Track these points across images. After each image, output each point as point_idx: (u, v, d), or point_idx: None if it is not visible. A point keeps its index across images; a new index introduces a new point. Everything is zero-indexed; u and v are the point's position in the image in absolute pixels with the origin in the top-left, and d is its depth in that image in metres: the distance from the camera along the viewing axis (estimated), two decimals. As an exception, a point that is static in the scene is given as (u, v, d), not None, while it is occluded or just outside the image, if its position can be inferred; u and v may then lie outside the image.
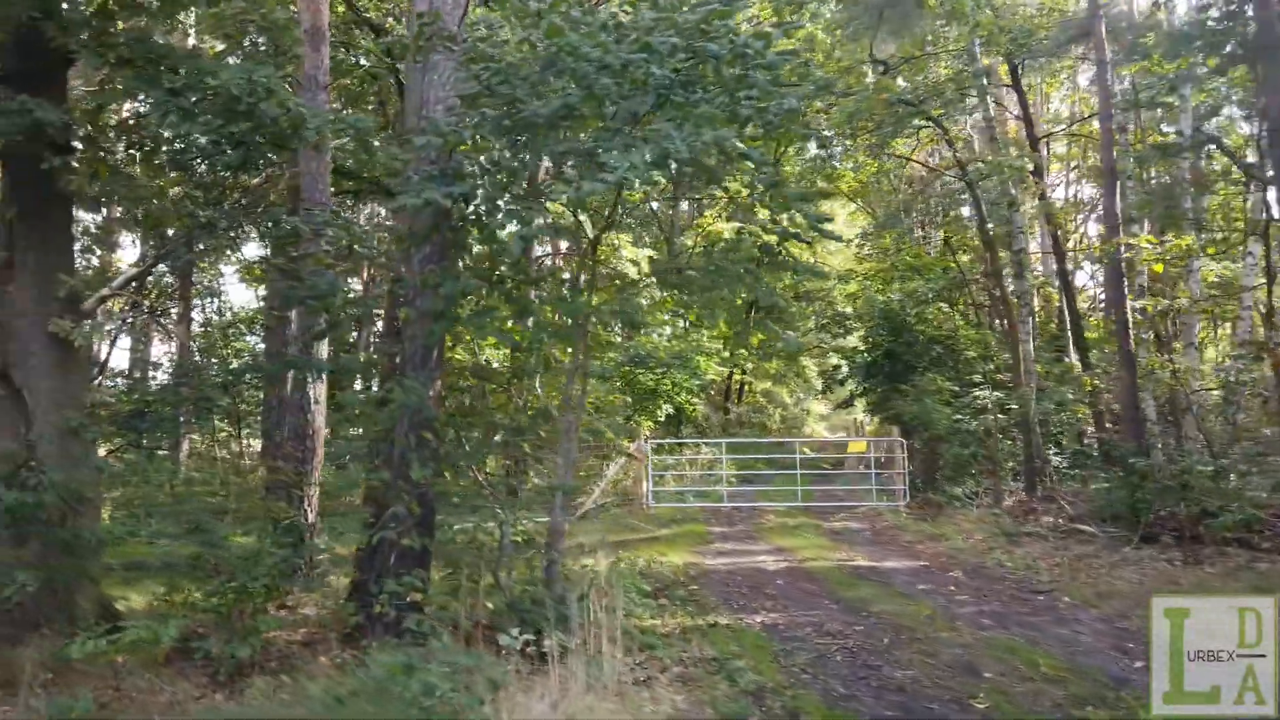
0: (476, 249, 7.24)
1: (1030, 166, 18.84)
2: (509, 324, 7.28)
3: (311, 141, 6.64)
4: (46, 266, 6.82)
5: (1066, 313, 20.40)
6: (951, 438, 18.91)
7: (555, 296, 6.82)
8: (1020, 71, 20.04)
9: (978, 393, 21.12)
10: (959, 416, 19.24)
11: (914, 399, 21.05)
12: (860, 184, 26.95)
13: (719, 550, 12.22)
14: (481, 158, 6.54)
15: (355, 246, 7.88)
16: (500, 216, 6.10)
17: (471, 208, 6.66)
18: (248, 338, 19.61)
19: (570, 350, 7.07)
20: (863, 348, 27.52)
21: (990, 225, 19.24)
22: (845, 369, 28.52)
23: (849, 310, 29.58)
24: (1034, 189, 19.71)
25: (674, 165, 5.67)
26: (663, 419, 22.22)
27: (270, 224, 7.36)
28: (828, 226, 6.76)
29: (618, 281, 12.03)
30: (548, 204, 6.25)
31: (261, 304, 18.55)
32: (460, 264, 7.14)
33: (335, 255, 8.29)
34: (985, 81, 18.05)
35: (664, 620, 7.43)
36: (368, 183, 9.13)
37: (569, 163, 6.18)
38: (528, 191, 5.99)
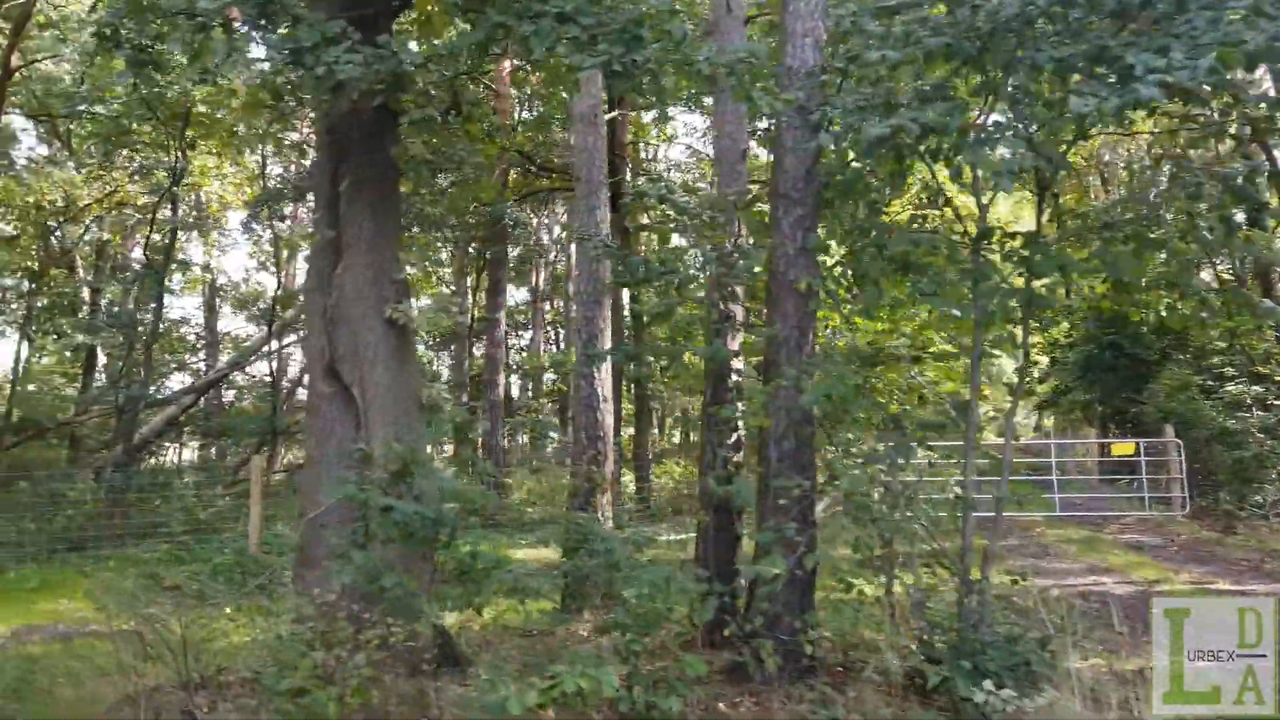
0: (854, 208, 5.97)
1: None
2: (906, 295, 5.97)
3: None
4: (378, 244, 6.04)
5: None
6: (1225, 438, 16.58)
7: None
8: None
9: (1230, 387, 18.67)
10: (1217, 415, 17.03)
11: (1168, 396, 18.73)
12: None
13: (1033, 568, 10.56)
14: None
15: (685, 216, 6.79)
16: (949, 152, 4.77)
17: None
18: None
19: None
20: (1063, 341, 25.17)
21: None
22: (1045, 365, 26.23)
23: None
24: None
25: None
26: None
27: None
28: None
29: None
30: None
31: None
32: (840, 228, 5.92)
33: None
34: None
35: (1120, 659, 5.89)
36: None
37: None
38: (969, 126, 4.66)
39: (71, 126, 20.44)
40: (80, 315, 22.81)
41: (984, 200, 5.38)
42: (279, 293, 18.01)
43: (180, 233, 18.90)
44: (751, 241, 6.49)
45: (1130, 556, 11.60)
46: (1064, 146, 5.16)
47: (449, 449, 20.40)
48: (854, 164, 5.69)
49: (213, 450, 25.79)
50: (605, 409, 8.59)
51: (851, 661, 5.70)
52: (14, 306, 24.94)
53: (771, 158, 6.86)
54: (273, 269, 33.94)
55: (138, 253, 27.37)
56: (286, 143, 22.10)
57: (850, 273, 5.99)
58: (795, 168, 5.88)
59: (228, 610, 8.17)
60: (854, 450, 5.59)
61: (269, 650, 5.56)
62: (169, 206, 15.87)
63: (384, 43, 4.93)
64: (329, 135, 6.06)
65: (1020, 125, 4.49)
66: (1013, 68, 4.59)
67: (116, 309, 20.89)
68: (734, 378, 6.96)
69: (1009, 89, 4.57)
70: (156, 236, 18.18)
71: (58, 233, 19.20)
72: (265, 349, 23.25)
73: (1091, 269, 5.57)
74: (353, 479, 4.33)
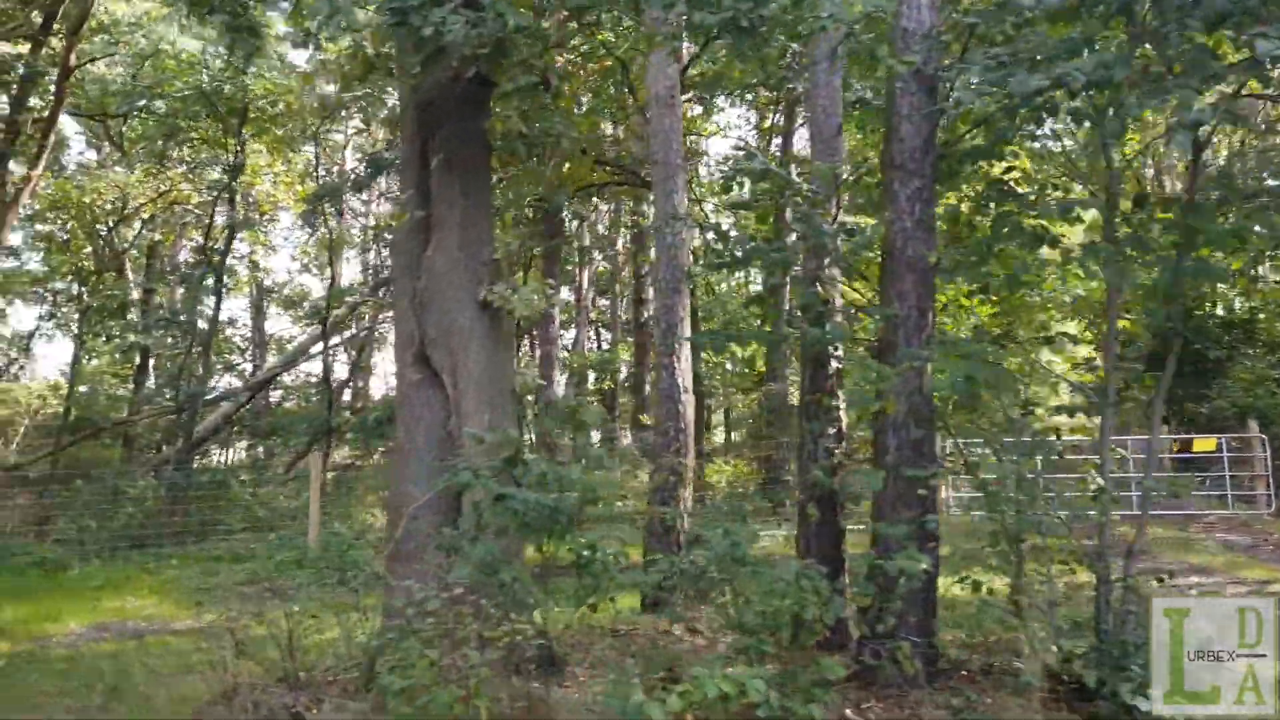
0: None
1: None
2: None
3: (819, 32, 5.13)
4: (470, 223, 5.77)
5: None
6: (1304, 432, 15.90)
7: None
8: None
9: (1301, 381, 17.95)
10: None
11: (1245, 390, 18.01)
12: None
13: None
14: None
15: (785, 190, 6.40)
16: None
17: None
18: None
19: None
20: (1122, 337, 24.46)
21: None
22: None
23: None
24: None
25: None
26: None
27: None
28: None
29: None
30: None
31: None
32: (960, 199, 5.53)
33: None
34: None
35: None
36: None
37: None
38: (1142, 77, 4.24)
39: (124, 129, 20.65)
40: (130, 317, 23.03)
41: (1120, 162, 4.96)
42: (332, 289, 17.93)
43: (215, 240, 18.92)
44: (850, 220, 6.11)
45: (1228, 556, 11.02)
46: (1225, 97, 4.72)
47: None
48: (974, 130, 5.30)
49: (259, 450, 25.88)
50: (686, 401, 8.25)
51: (983, 663, 5.31)
52: (65, 309, 25.28)
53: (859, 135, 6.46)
54: (316, 271, 34.19)
55: (184, 254, 27.65)
56: (333, 142, 22.17)
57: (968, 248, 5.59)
58: (912, 136, 5.51)
59: (304, 608, 7.94)
60: (993, 436, 5.18)
61: (365, 648, 5.32)
62: (227, 201, 15.78)
63: (489, 3, 4.65)
64: (419, 110, 5.80)
65: (1187, 77, 4.08)
66: (1170, 14, 4.17)
67: (170, 309, 21.01)
68: (834, 364, 6.60)
69: (1169, 36, 4.15)
70: (205, 235, 18.18)
71: (110, 235, 19.32)
72: (316, 348, 23.28)
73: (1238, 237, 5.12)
74: (463, 466, 4.04)
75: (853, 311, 7.05)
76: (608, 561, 4.24)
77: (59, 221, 19.73)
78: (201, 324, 16.95)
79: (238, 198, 15.90)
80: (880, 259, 5.73)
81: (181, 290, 23.11)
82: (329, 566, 11.59)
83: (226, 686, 5.19)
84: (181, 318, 16.85)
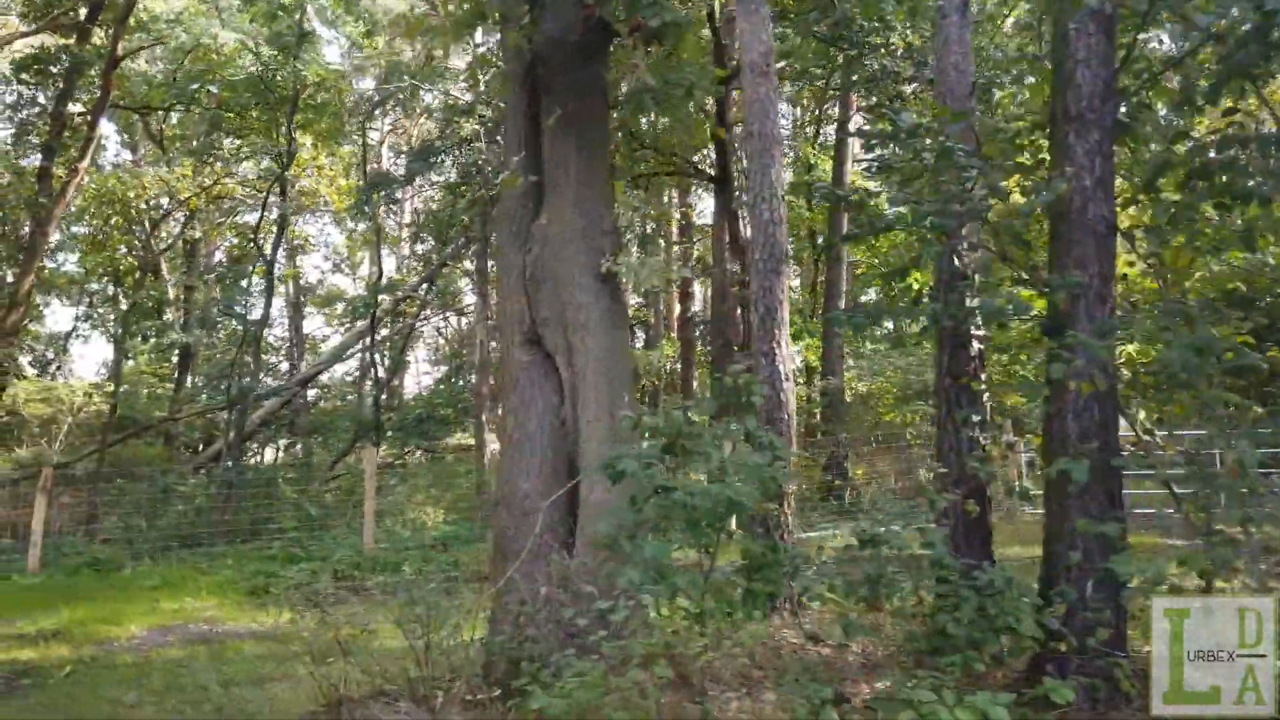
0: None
1: None
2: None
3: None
4: (586, 188, 5.23)
5: None
6: None
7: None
8: None
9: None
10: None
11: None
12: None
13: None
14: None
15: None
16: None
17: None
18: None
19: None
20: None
21: None
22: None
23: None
24: None
25: None
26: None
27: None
28: None
29: None
30: None
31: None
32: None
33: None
34: None
35: None
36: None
37: None
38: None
39: (163, 126, 20.38)
40: (166, 316, 22.80)
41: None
42: (378, 282, 17.48)
43: (262, 233, 18.60)
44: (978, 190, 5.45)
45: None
46: None
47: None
48: (1161, 73, 4.66)
49: (298, 449, 25.57)
50: (788, 389, 7.65)
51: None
52: (101, 310, 25.13)
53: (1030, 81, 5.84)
54: (348, 271, 33.89)
55: (219, 254, 27.42)
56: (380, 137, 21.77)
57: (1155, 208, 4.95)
58: (1090, 82, 4.89)
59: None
60: (1215, 418, 4.53)
61: (491, 656, 4.79)
62: (278, 193, 15.37)
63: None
64: (531, 64, 5.26)
65: None
66: None
67: (211, 306, 20.70)
68: (976, 345, 5.98)
69: None
70: (255, 228, 17.78)
71: (150, 233, 19.05)
72: (355, 346, 22.92)
73: None
74: (626, 454, 3.49)
75: (1005, 283, 6.41)
76: (797, 562, 3.67)
77: (97, 220, 19.50)
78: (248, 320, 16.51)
79: (289, 189, 15.46)
80: (1050, 223, 5.12)
81: (219, 288, 22.87)
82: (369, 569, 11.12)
83: (329, 697, 4.67)
84: (236, 309, 16.43)
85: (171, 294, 22.85)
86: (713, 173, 16.27)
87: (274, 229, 15.21)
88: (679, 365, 22.60)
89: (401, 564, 11.89)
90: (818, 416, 19.24)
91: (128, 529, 13.91)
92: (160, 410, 22.17)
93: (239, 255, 21.68)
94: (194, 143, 18.90)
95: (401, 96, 17.54)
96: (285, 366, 27.77)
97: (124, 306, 19.34)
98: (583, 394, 5.11)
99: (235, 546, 13.42)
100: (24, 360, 21.38)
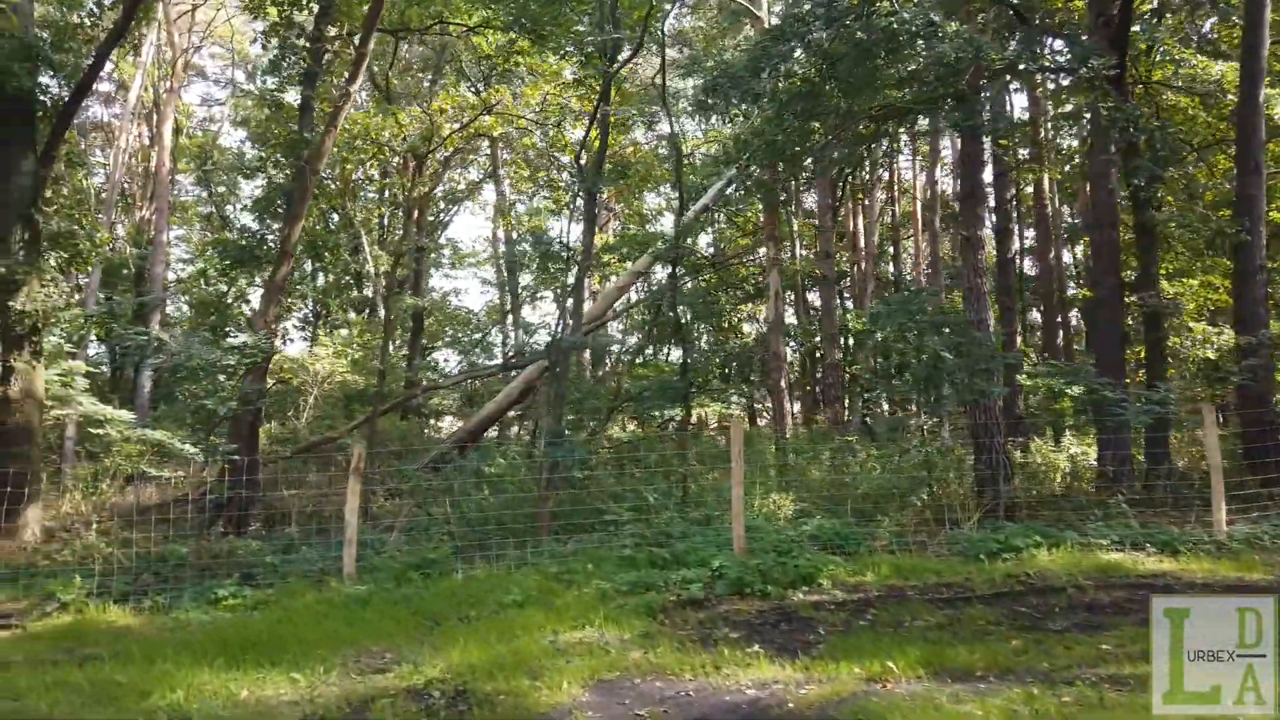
0: None
1: None
2: None
3: None
4: None
5: None
6: None
7: None
8: None
9: None
10: None
11: None
12: None
13: None
14: None
15: None
16: None
17: None
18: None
19: None
20: None
21: None
22: None
23: None
24: None
25: None
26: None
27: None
28: None
29: None
30: None
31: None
32: None
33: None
34: None
35: None
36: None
37: None
38: None
39: (389, 73, 18.08)
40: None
41: None
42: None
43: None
44: None
45: None
46: None
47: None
48: None
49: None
50: None
51: None
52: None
53: None
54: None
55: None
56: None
57: None
58: None
59: None
60: None
61: None
62: (599, 125, 12.21)
63: None
64: None
65: None
66: None
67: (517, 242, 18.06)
68: None
69: None
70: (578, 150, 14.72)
71: (412, 174, 16.78)
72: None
73: None
74: None
75: None
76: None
77: (350, 166, 17.43)
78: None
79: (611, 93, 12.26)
80: None
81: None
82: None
83: None
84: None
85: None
86: None
87: (596, 141, 12.04)
88: None
89: (815, 577, 8.66)
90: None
91: (429, 519, 11.47)
92: (394, 381, 20.13)
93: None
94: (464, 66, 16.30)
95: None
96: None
97: (375, 269, 17.16)
98: None
99: (560, 542, 10.64)
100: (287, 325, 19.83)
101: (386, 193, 23.85)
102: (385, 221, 25.31)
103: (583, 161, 12.60)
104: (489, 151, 22.67)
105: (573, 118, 16.57)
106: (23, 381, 11.66)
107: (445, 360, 28.51)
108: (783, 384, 15.31)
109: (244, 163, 31.14)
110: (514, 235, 25.86)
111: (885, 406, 19.07)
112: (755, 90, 10.14)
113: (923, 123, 15.76)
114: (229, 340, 10.37)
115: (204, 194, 30.86)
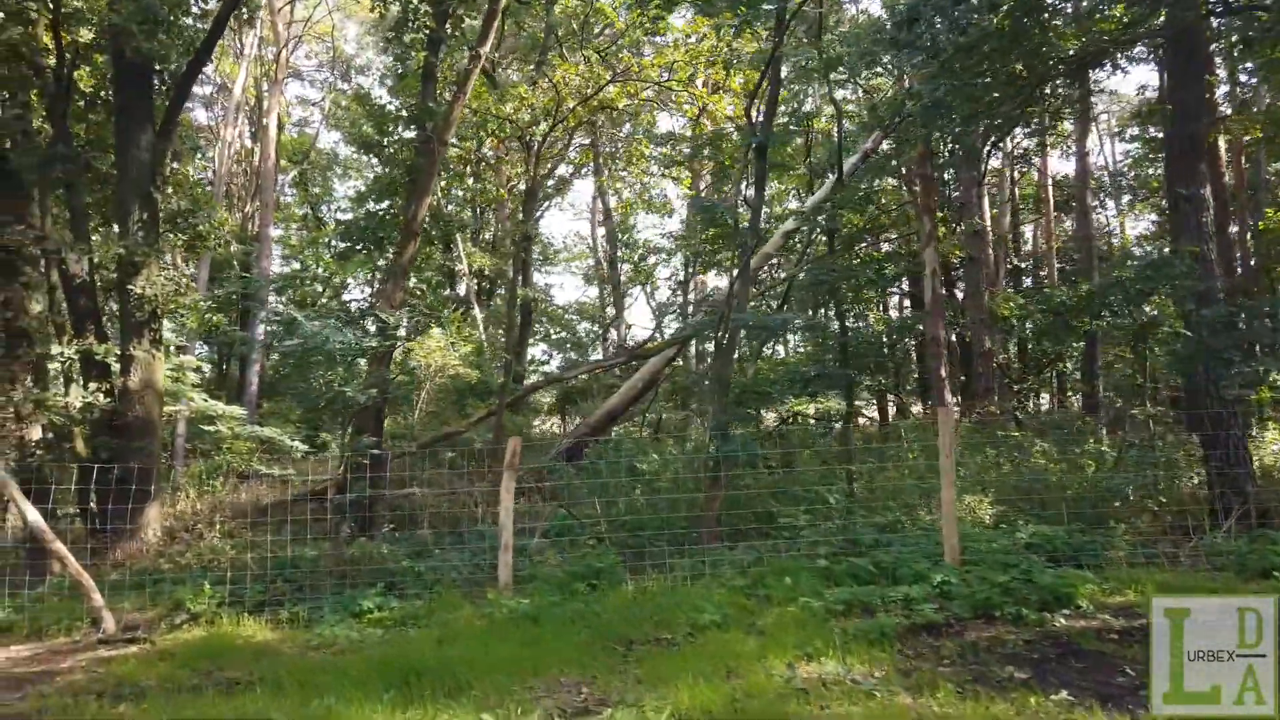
0: None
1: None
2: None
3: None
4: None
5: None
6: None
7: None
8: None
9: None
10: None
11: None
12: None
13: None
14: None
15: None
16: None
17: None
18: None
19: None
20: None
21: None
22: None
23: None
24: None
25: None
26: None
27: None
28: None
29: None
30: None
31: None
32: None
33: None
34: None
35: None
36: None
37: None
38: None
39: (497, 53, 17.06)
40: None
41: None
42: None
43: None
44: None
45: None
46: None
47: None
48: None
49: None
50: None
51: None
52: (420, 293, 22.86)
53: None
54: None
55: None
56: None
57: None
58: None
59: None
60: None
61: None
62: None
63: None
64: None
65: None
66: None
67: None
68: None
69: None
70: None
71: (536, 151, 15.69)
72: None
73: None
74: None
75: None
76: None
77: (469, 144, 16.44)
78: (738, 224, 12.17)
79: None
80: None
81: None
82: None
83: None
84: (723, 207, 12.33)
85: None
86: None
87: (765, 96, 10.51)
88: None
89: (1072, 597, 7.07)
90: None
91: (573, 523, 10.25)
92: (489, 376, 19.06)
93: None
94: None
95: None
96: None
97: (468, 266, 16.05)
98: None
99: (728, 548, 9.26)
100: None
101: (484, 185, 22.96)
102: (479, 213, 24.50)
103: (753, 116, 11.15)
104: (603, 131, 21.44)
105: (725, 70, 15.13)
106: (143, 372, 10.91)
107: (545, 355, 27.55)
108: (942, 372, 13.57)
109: (338, 161, 30.93)
110: (618, 225, 24.72)
111: (1044, 400, 17.10)
112: (961, 23, 8.55)
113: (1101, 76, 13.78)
114: (365, 323, 9.33)
115: (300, 194, 30.69)
